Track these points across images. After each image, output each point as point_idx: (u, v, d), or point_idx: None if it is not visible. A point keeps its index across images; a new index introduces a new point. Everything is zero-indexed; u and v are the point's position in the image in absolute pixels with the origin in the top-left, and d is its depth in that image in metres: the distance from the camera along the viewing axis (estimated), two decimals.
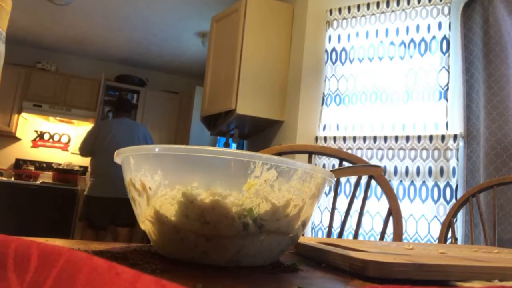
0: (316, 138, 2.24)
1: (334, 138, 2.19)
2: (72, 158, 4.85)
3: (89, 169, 3.40)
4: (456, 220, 1.75)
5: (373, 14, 2.23)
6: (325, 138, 2.22)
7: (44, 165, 4.73)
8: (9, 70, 4.47)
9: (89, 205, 3.16)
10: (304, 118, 2.34)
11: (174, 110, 5.08)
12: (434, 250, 0.56)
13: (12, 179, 4.32)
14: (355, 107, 2.19)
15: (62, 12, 3.96)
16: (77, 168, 4.62)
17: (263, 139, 2.97)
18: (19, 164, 4.66)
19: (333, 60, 2.29)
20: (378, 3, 2.22)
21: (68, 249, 0.20)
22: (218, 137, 4.47)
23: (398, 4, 2.18)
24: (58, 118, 4.65)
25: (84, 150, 3.24)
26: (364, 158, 2.05)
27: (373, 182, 1.10)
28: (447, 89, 2.00)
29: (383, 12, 2.21)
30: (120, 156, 0.41)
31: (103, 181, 3.10)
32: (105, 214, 3.13)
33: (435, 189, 1.94)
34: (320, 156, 2.06)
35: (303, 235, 0.63)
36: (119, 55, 5.01)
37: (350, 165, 1.05)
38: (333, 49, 2.30)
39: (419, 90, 2.06)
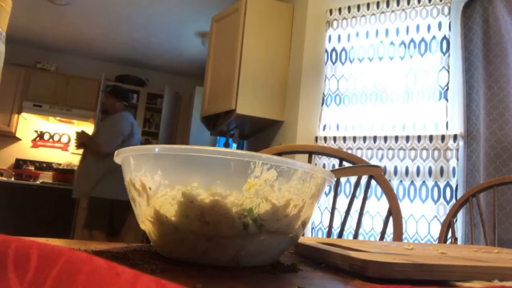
0: (316, 138, 2.24)
1: (334, 138, 2.19)
2: (72, 158, 4.85)
3: (99, 169, 2.91)
4: (456, 220, 1.75)
5: (373, 14, 2.23)
6: (325, 138, 2.22)
7: (44, 165, 4.73)
8: (9, 70, 4.47)
9: (113, 209, 2.88)
10: (304, 118, 2.34)
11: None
12: (434, 250, 0.56)
13: (12, 179, 4.32)
14: (355, 107, 2.19)
15: (62, 12, 3.96)
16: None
17: (263, 139, 2.97)
18: (19, 164, 4.66)
19: (333, 60, 2.29)
20: (378, 3, 2.22)
21: (68, 249, 0.20)
22: (218, 137, 4.47)
23: (398, 4, 2.18)
24: (58, 118, 4.65)
25: (113, 146, 2.85)
26: (364, 158, 2.05)
27: (373, 182, 1.10)
28: (447, 89, 2.00)
29: (383, 12, 2.21)
30: (120, 156, 0.41)
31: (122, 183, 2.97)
32: (125, 218, 2.98)
33: (435, 189, 1.94)
34: (320, 156, 2.06)
35: (303, 235, 0.63)
36: (119, 55, 5.01)
37: (350, 165, 1.05)
38: (333, 49, 2.30)
39: (419, 90, 2.06)
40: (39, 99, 4.55)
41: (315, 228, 2.15)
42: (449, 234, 1.52)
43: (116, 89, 3.28)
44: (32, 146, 4.82)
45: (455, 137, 1.94)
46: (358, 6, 2.27)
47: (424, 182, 1.97)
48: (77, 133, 3.04)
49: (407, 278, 0.37)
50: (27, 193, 4.11)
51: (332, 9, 2.35)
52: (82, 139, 2.98)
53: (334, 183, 0.67)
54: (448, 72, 2.01)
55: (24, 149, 4.79)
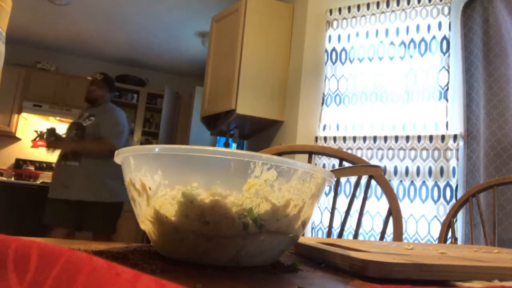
0: (316, 138, 2.24)
1: (334, 138, 2.19)
2: None
3: (101, 169, 2.66)
4: (456, 220, 1.75)
5: (373, 14, 2.23)
6: (325, 138, 2.22)
7: (44, 165, 4.73)
8: (9, 70, 4.47)
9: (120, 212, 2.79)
10: (304, 118, 2.34)
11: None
12: (434, 250, 0.56)
13: (12, 179, 4.32)
14: (355, 107, 2.19)
15: (62, 12, 3.96)
16: None
17: (263, 139, 2.97)
18: (19, 164, 4.66)
19: (333, 60, 2.29)
20: (378, 3, 2.22)
21: (68, 249, 0.20)
22: (218, 137, 4.47)
23: (398, 4, 2.18)
24: (58, 118, 4.65)
25: (122, 145, 2.61)
26: (364, 158, 2.05)
27: (373, 182, 1.10)
28: (447, 89, 2.00)
29: (383, 12, 2.21)
30: (120, 156, 0.41)
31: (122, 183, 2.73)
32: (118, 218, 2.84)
33: (435, 189, 1.94)
34: (320, 156, 2.06)
35: (303, 235, 0.63)
36: (119, 55, 5.01)
37: (350, 165, 1.05)
38: (333, 49, 2.30)
39: (419, 90, 2.06)
40: (39, 99, 4.55)
41: (315, 228, 2.15)
42: (449, 234, 1.52)
43: (109, 78, 2.92)
44: (32, 146, 4.82)
45: (455, 137, 1.94)
46: (358, 6, 2.27)
47: (424, 182, 1.97)
48: (49, 130, 2.66)
49: (407, 278, 0.37)
50: (27, 193, 4.11)
51: (332, 9, 2.35)
52: (52, 136, 2.64)
53: (334, 183, 0.67)
54: (448, 72, 2.01)
55: (24, 149, 4.79)
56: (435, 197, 1.93)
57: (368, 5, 2.25)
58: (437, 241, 1.73)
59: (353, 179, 2.02)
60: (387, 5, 2.20)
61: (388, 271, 0.36)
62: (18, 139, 4.76)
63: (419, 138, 2.01)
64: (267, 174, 0.36)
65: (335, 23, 2.33)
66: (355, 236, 1.09)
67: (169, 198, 0.37)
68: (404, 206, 1.95)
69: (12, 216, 3.99)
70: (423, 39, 2.09)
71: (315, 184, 0.41)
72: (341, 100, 2.23)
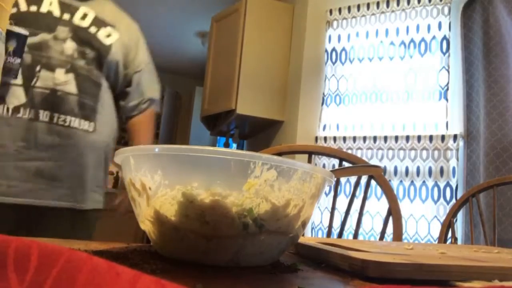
0: (316, 138, 2.24)
1: (334, 138, 2.19)
2: None
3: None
4: (456, 220, 1.75)
5: (373, 14, 2.23)
6: (325, 138, 2.22)
7: None
8: None
9: None
10: (304, 118, 2.34)
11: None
12: (434, 250, 0.56)
13: None
14: (355, 107, 2.19)
15: None
16: None
17: (263, 139, 2.96)
18: None
19: (333, 60, 2.29)
20: (378, 3, 2.22)
21: (68, 249, 0.20)
22: (218, 137, 4.47)
23: (398, 4, 2.18)
24: None
25: None
26: (364, 158, 2.05)
27: (373, 182, 1.10)
28: (447, 89, 2.00)
29: (383, 12, 2.21)
30: (120, 156, 0.41)
31: None
32: None
33: (435, 189, 1.94)
34: (320, 156, 2.06)
35: (303, 235, 0.63)
36: None
37: (350, 165, 1.05)
38: (333, 49, 2.30)
39: (419, 90, 2.06)
40: None
41: (315, 228, 2.15)
42: (449, 234, 1.52)
43: None
44: None
45: (455, 137, 1.94)
46: (358, 6, 2.27)
47: (424, 182, 1.97)
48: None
49: (407, 278, 0.37)
50: None
51: (332, 9, 2.35)
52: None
53: (334, 183, 0.67)
54: (448, 72, 2.01)
55: None
56: (435, 197, 1.93)
57: (368, 5, 2.25)
58: (437, 241, 1.73)
59: (353, 179, 2.02)
60: (387, 5, 2.20)
61: (388, 271, 0.36)
62: None
63: (419, 138, 2.01)
64: (267, 174, 0.36)
65: (335, 23, 2.33)
66: (355, 236, 1.09)
67: (169, 198, 0.37)
68: (404, 206, 1.95)
69: None
70: (423, 39, 2.09)
71: (315, 184, 0.41)
72: (341, 100, 2.23)
